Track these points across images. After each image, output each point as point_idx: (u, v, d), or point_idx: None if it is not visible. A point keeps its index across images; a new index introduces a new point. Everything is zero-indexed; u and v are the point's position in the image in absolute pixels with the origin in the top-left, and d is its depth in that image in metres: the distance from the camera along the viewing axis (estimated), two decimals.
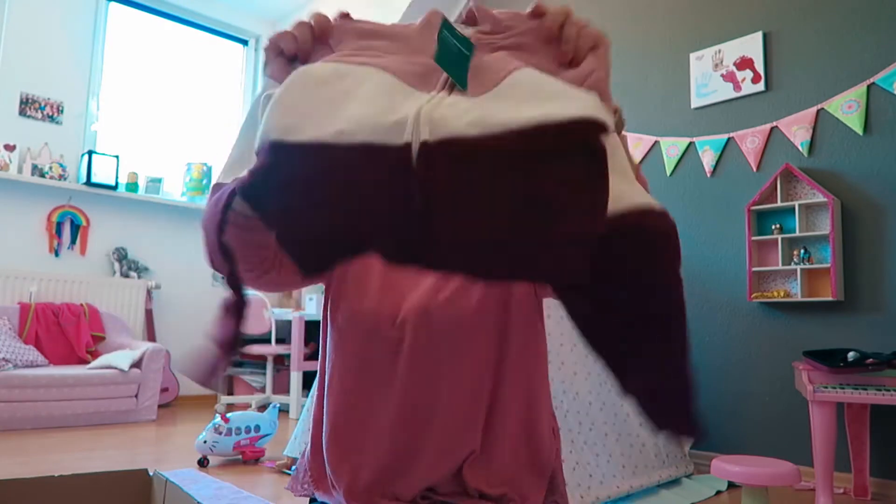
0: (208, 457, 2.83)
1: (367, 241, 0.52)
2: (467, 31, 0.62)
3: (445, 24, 0.62)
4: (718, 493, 2.60)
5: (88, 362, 4.04)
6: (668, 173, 3.31)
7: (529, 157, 0.49)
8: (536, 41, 0.65)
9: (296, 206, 0.53)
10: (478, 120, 0.50)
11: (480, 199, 0.49)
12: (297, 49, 0.68)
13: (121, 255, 4.70)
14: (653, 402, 0.55)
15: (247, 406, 4.26)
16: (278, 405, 3.19)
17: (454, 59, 0.58)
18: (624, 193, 0.52)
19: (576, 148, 0.49)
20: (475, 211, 0.49)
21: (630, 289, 0.53)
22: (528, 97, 0.53)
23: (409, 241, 0.51)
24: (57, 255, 4.47)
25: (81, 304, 4.32)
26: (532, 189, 0.49)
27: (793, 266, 2.78)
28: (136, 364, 3.98)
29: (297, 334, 4.17)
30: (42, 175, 4.38)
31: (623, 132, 0.69)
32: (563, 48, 0.63)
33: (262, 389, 4.66)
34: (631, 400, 0.56)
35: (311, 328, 4.27)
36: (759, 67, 3.03)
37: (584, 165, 0.49)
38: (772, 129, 2.97)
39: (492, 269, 0.51)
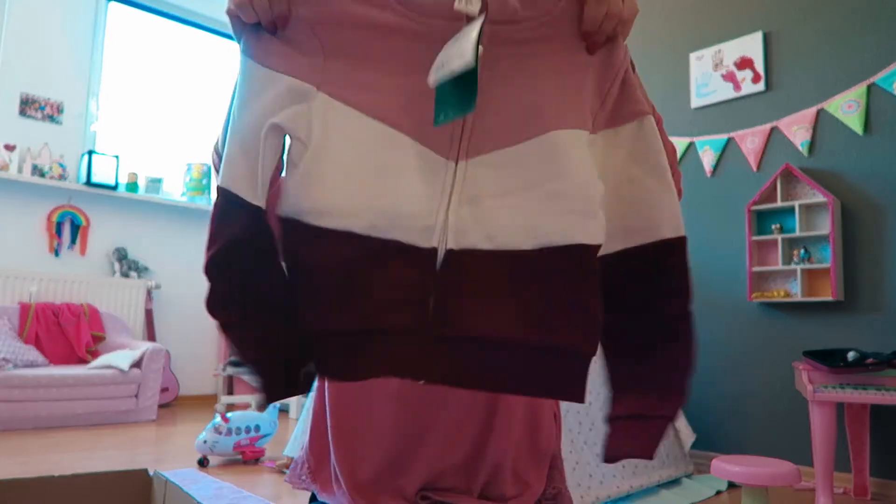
0: (208, 457, 2.83)
1: (383, 324, 0.56)
2: (477, 22, 0.57)
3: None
4: (718, 493, 2.60)
5: (88, 362, 4.04)
6: None
7: (532, 274, 0.56)
8: (557, 32, 0.61)
9: (323, 289, 0.56)
10: (494, 234, 0.56)
11: (488, 302, 0.55)
12: (259, 19, 0.62)
13: (121, 255, 4.70)
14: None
15: (247, 406, 4.26)
16: (278, 405, 3.19)
17: (458, 81, 0.56)
18: (656, 218, 0.59)
19: (571, 271, 0.56)
20: (482, 312, 0.55)
21: (642, 320, 0.60)
22: (545, 197, 0.57)
23: (418, 329, 0.55)
24: (57, 255, 4.47)
25: (81, 304, 4.32)
26: (531, 301, 0.55)
27: (793, 266, 2.78)
28: (136, 364, 3.98)
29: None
30: (42, 175, 4.38)
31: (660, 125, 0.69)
32: (584, 28, 0.60)
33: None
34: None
35: None
36: (759, 67, 3.03)
37: (578, 287, 0.56)
38: (772, 129, 2.97)
39: (490, 371, 0.56)
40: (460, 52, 0.55)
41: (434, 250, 0.57)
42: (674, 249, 0.64)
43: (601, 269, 0.61)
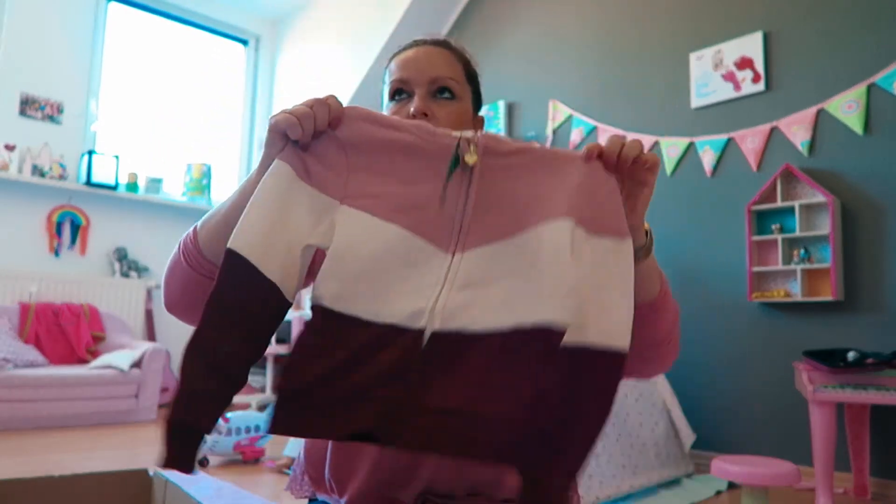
0: (208, 457, 2.83)
1: (370, 394, 0.64)
2: (472, 159, 0.70)
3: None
4: (718, 493, 2.60)
5: (88, 362, 4.04)
6: (669, 173, 3.31)
7: (505, 353, 0.63)
8: (552, 164, 0.71)
9: (329, 368, 0.64)
10: (477, 317, 0.65)
11: (465, 378, 0.63)
12: (302, 138, 0.71)
13: (121, 255, 4.70)
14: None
15: (247, 406, 4.26)
16: None
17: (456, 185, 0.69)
18: (609, 324, 0.66)
19: (539, 351, 0.63)
20: (459, 387, 0.63)
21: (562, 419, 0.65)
22: (526, 284, 0.66)
23: (401, 401, 0.63)
24: (57, 255, 4.47)
25: (81, 304, 4.32)
26: (504, 380, 0.62)
27: (793, 266, 2.78)
28: (136, 364, 3.98)
29: (297, 334, 4.17)
30: (42, 175, 4.38)
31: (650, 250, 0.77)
32: (619, 166, 0.70)
33: (262, 389, 4.66)
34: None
35: None
36: (759, 67, 3.03)
37: (543, 366, 0.63)
38: (772, 129, 2.97)
39: (461, 440, 0.62)
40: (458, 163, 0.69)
41: (422, 331, 0.65)
42: (615, 360, 0.66)
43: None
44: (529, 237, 0.68)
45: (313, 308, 0.68)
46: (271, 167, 0.70)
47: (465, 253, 0.69)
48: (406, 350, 0.64)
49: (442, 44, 0.96)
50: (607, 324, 0.67)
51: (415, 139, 0.71)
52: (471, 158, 0.70)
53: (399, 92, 0.92)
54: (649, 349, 0.82)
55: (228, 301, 0.65)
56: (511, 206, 0.70)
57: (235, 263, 0.65)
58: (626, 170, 0.70)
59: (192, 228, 0.78)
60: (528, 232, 0.68)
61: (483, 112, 1.30)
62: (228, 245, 0.66)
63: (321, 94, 0.75)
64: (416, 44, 0.96)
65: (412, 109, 0.88)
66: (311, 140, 0.71)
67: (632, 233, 0.71)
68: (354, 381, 0.64)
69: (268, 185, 0.69)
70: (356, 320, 0.66)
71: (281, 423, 0.64)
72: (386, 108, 0.94)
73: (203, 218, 0.78)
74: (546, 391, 0.64)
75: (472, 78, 0.97)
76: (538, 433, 0.63)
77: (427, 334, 0.65)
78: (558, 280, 0.66)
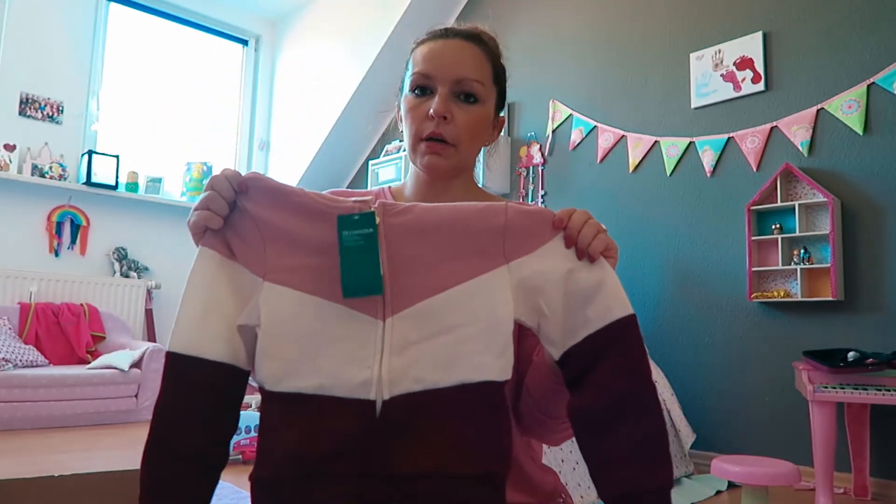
0: None
1: (330, 470, 0.65)
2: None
3: (342, 222, 0.69)
4: (718, 493, 2.60)
5: (88, 362, 4.04)
6: (668, 173, 3.31)
7: (452, 408, 0.66)
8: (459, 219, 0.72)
9: (289, 449, 0.66)
10: (420, 376, 0.66)
11: (420, 440, 0.65)
12: (221, 222, 0.71)
13: (121, 255, 4.69)
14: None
15: (247, 406, 4.26)
16: None
17: (360, 257, 0.68)
18: (604, 302, 0.69)
19: (484, 404, 0.66)
20: (415, 450, 0.65)
21: (606, 398, 0.67)
22: (460, 340, 0.67)
23: (368, 471, 0.65)
24: (57, 255, 4.47)
25: (81, 304, 4.31)
26: (454, 431, 0.65)
27: (793, 266, 2.78)
28: (136, 364, 3.98)
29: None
30: (42, 175, 4.38)
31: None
32: (577, 245, 0.71)
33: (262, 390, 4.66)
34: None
35: None
36: (759, 67, 3.03)
37: (490, 418, 0.66)
38: (772, 128, 2.97)
39: (427, 499, 0.64)
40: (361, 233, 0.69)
41: (373, 402, 0.66)
42: (626, 326, 0.68)
43: (573, 360, 0.69)
44: (453, 295, 0.68)
45: (260, 391, 0.69)
46: (196, 255, 0.71)
47: (394, 317, 0.68)
48: (362, 421, 0.65)
49: (473, 37, 0.91)
50: (603, 304, 0.69)
51: (320, 206, 0.70)
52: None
53: (421, 87, 0.88)
54: (556, 421, 0.83)
55: (176, 399, 0.68)
56: (427, 265, 0.69)
57: (176, 362, 0.68)
58: (580, 250, 0.70)
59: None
60: (449, 291, 0.68)
61: None
62: (167, 349, 0.68)
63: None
64: (445, 34, 0.91)
65: (432, 111, 0.85)
66: (224, 219, 0.71)
67: None
68: (317, 460, 0.65)
69: (195, 273, 0.70)
70: (300, 396, 0.66)
71: None
72: (404, 99, 0.91)
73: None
74: (505, 440, 0.67)
75: (498, 77, 0.93)
76: (495, 481, 0.66)
77: (378, 404, 0.66)
78: (496, 332, 0.67)
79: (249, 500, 0.70)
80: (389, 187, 1.00)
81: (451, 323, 0.67)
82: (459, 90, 0.87)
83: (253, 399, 4.35)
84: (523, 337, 0.84)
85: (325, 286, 0.69)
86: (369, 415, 0.65)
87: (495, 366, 0.67)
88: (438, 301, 0.68)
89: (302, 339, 0.68)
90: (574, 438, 0.71)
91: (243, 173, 0.72)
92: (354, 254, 0.68)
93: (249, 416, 2.94)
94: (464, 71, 0.87)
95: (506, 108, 0.98)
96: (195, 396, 0.68)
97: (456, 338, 0.67)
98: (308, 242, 0.70)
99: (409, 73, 0.91)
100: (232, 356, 0.69)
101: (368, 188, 2.69)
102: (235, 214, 0.72)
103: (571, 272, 0.70)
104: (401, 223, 0.70)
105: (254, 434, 2.90)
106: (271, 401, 0.68)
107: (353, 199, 0.71)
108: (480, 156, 0.97)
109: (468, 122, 0.87)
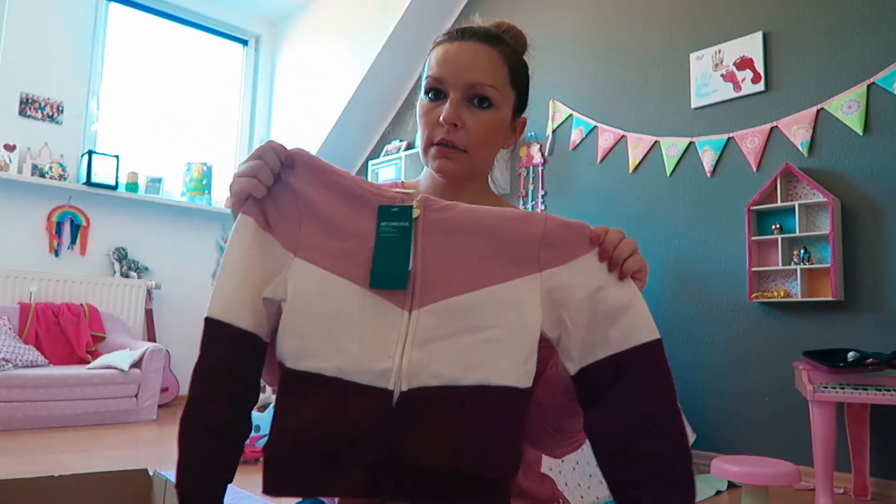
0: None
1: (342, 454, 0.65)
2: (415, 213, 0.70)
3: (382, 212, 0.70)
4: (718, 493, 2.60)
5: (88, 362, 4.04)
6: (668, 173, 3.31)
7: (469, 408, 0.65)
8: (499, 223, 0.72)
9: (305, 427, 0.66)
10: (440, 372, 0.66)
11: (433, 435, 0.65)
12: (264, 191, 0.72)
13: (121, 255, 4.70)
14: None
15: None
16: None
17: (393, 249, 0.69)
18: (631, 325, 0.68)
19: (501, 409, 0.66)
20: (428, 445, 0.65)
21: (630, 421, 0.67)
22: (484, 341, 0.67)
23: (381, 459, 0.65)
24: (57, 255, 4.47)
25: (81, 304, 4.32)
26: (468, 430, 0.65)
27: (793, 266, 2.78)
28: (136, 364, 3.98)
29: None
30: (42, 175, 4.38)
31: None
32: (612, 259, 0.71)
33: (262, 389, 4.66)
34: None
35: None
36: (759, 67, 3.03)
37: (506, 424, 0.66)
38: (772, 129, 2.97)
39: (430, 494, 0.65)
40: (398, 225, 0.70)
41: (391, 392, 0.66)
42: (652, 351, 0.68)
43: (589, 377, 0.69)
44: (483, 296, 0.68)
45: (279, 367, 0.69)
46: (236, 223, 0.72)
47: (420, 310, 0.68)
48: (378, 410, 0.65)
49: (492, 38, 0.88)
50: (630, 326, 0.68)
51: (362, 191, 0.71)
52: (414, 212, 0.70)
53: (434, 91, 0.87)
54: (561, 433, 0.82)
55: (212, 364, 0.68)
56: (458, 264, 0.69)
57: (212, 328, 0.68)
58: (614, 264, 0.70)
59: None
60: (479, 292, 0.68)
61: None
62: (206, 315, 0.69)
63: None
64: (462, 35, 0.88)
65: (442, 118, 0.84)
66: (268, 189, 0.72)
67: None
68: (332, 442, 0.65)
69: (234, 241, 0.71)
70: (319, 377, 0.67)
71: (272, 486, 0.66)
72: (419, 102, 0.89)
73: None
74: (517, 447, 0.67)
75: (516, 80, 0.90)
76: (504, 486, 0.66)
77: (396, 394, 0.66)
78: (521, 339, 0.67)
79: (257, 489, 0.71)
80: (402, 182, 0.98)
81: (477, 323, 0.67)
82: (472, 95, 0.85)
83: None
84: (539, 348, 0.84)
85: (356, 270, 0.69)
86: (386, 404, 0.66)
87: (517, 372, 0.67)
88: (467, 300, 0.68)
89: (326, 320, 0.68)
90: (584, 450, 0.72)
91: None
92: (388, 245, 0.69)
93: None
94: (476, 76, 0.85)
95: (527, 108, 0.95)
96: (225, 363, 0.68)
97: (481, 339, 0.67)
98: (344, 225, 0.71)
99: (424, 74, 0.89)
100: (257, 327, 0.69)
101: None
102: (277, 187, 0.72)
103: (600, 289, 0.70)
104: (440, 219, 0.70)
105: (254, 434, 2.90)
106: (290, 379, 0.67)
107: (397, 189, 0.71)
108: None
109: (480, 129, 0.85)
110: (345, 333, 0.67)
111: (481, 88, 0.85)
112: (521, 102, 0.92)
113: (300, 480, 0.66)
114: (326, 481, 0.65)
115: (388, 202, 0.70)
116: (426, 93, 0.87)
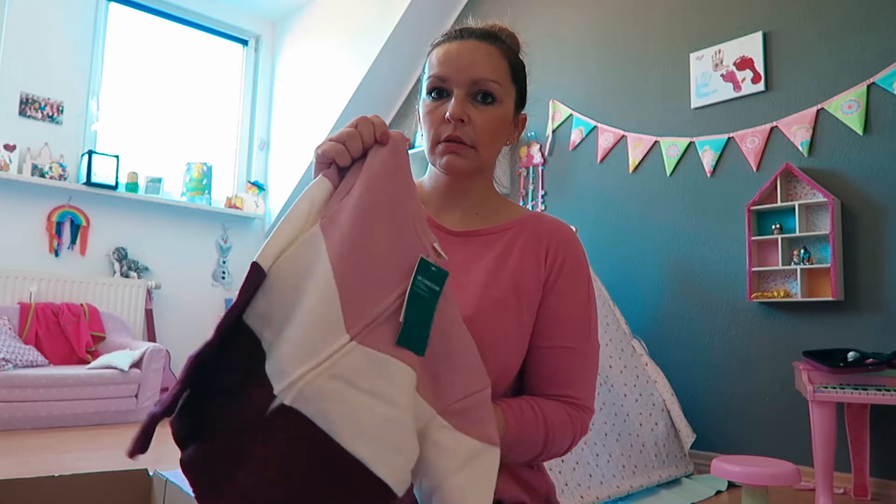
0: None
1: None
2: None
3: (422, 265, 0.68)
4: (718, 493, 2.60)
5: (88, 362, 4.04)
6: (668, 173, 3.31)
7: (329, 472, 0.61)
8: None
9: (223, 388, 0.65)
10: (329, 416, 0.62)
11: (285, 465, 0.61)
12: (349, 161, 0.72)
13: (121, 255, 4.69)
14: None
15: None
16: None
17: (419, 311, 0.66)
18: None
19: (347, 481, 0.62)
20: (260, 473, 0.61)
21: None
22: (386, 416, 0.64)
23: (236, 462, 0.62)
24: (57, 255, 4.47)
25: (81, 304, 4.31)
26: (313, 490, 0.61)
27: (793, 266, 2.78)
28: (136, 364, 3.98)
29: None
30: (42, 175, 4.38)
31: None
32: None
33: None
34: None
35: None
36: (759, 67, 3.03)
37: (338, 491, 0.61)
38: (772, 129, 2.97)
39: None
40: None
41: (274, 397, 0.63)
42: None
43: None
44: (407, 374, 0.65)
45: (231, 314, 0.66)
46: (314, 182, 0.71)
47: (360, 346, 0.64)
48: (258, 407, 0.63)
49: (490, 37, 0.90)
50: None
51: (410, 221, 0.70)
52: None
53: (437, 90, 0.87)
54: (531, 461, 0.85)
55: (243, 308, 0.67)
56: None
57: (256, 273, 0.67)
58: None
59: None
60: (411, 367, 0.65)
61: None
62: (254, 259, 0.67)
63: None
64: (461, 35, 0.90)
65: (448, 114, 0.84)
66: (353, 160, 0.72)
67: None
68: (234, 416, 0.64)
69: (305, 197, 0.71)
70: (258, 343, 0.65)
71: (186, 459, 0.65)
72: (422, 102, 0.90)
73: None
74: None
75: (517, 75, 0.91)
76: None
77: (276, 402, 0.62)
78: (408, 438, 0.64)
79: None
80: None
81: (381, 390, 0.65)
82: (476, 91, 0.86)
83: None
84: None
85: (347, 268, 0.67)
86: (265, 403, 0.64)
87: (402, 476, 0.64)
88: (396, 366, 0.67)
89: (294, 295, 0.66)
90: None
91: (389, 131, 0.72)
92: (418, 303, 0.67)
93: None
94: (479, 72, 0.86)
95: (527, 105, 0.96)
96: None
97: (385, 412, 0.65)
98: (372, 229, 0.68)
99: (425, 75, 0.89)
100: None
101: None
102: (359, 160, 0.72)
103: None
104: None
105: None
106: (239, 331, 0.68)
107: (435, 244, 0.71)
108: None
109: (486, 124, 0.86)
110: (298, 315, 0.65)
111: (485, 84, 0.86)
112: (521, 98, 0.93)
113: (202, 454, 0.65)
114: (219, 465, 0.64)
115: (427, 254, 0.69)
116: (429, 93, 0.88)
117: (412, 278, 0.67)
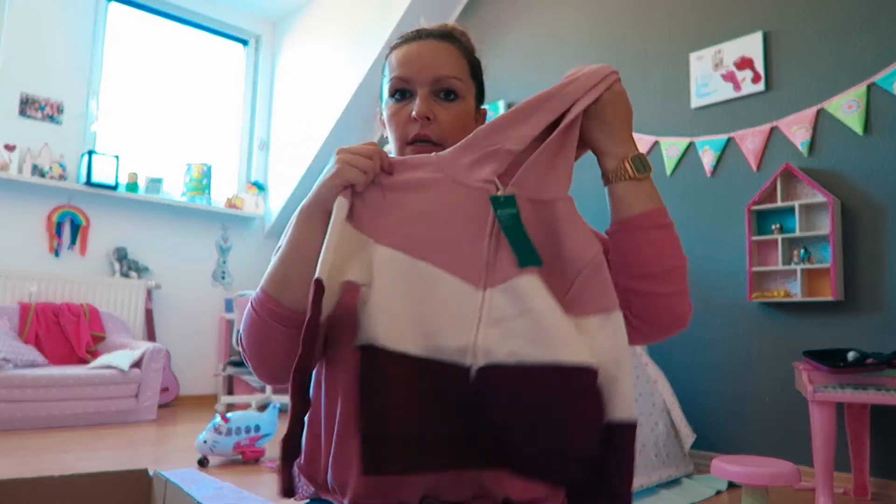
0: (208, 457, 2.83)
1: (425, 430, 0.70)
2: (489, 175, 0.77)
3: (495, 202, 0.75)
4: (718, 493, 2.60)
5: (88, 362, 4.04)
6: (668, 173, 3.31)
7: (544, 386, 0.69)
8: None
9: (388, 403, 0.70)
10: (514, 351, 0.70)
11: (511, 408, 0.69)
12: (364, 183, 0.77)
13: (121, 255, 4.70)
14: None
15: (247, 406, 4.26)
16: (278, 405, 3.19)
17: (515, 234, 0.75)
18: (609, 400, 0.71)
19: (575, 385, 0.69)
20: (513, 416, 0.69)
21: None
22: (551, 320, 0.71)
23: (459, 433, 0.70)
24: (57, 255, 4.47)
25: (81, 304, 4.32)
26: (545, 408, 0.69)
27: (793, 266, 2.78)
28: (136, 364, 3.98)
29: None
30: (42, 175, 4.38)
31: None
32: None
33: (262, 389, 4.66)
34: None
35: None
36: (759, 67, 3.03)
37: (582, 398, 0.69)
38: (772, 129, 2.97)
39: (516, 459, 0.70)
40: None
41: (468, 368, 0.70)
42: (623, 431, 0.71)
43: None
44: (532, 280, 0.73)
45: (367, 348, 0.72)
46: (337, 204, 0.76)
47: (493, 289, 0.73)
48: (456, 386, 0.70)
49: (446, 36, 0.93)
50: (607, 400, 0.72)
51: (442, 180, 0.77)
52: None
53: (400, 91, 0.89)
54: (642, 281, 0.83)
55: (317, 319, 0.72)
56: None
57: (320, 288, 0.72)
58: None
59: (257, 293, 0.81)
60: (532, 274, 0.73)
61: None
62: (316, 276, 0.71)
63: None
64: (418, 35, 0.92)
65: (414, 113, 0.86)
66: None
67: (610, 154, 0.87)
68: (418, 418, 0.70)
69: (338, 219, 0.76)
70: (405, 357, 0.71)
71: (371, 464, 0.69)
72: (385, 104, 0.91)
73: (263, 280, 0.82)
74: (591, 423, 0.70)
75: (475, 71, 0.94)
76: (587, 461, 0.69)
77: (473, 371, 0.70)
78: (566, 325, 0.71)
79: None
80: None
81: (533, 304, 0.71)
82: (439, 88, 0.88)
83: (253, 399, 4.35)
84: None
85: (432, 252, 0.74)
86: (463, 380, 0.70)
87: (585, 354, 0.69)
88: (529, 280, 0.72)
89: (405, 302, 0.72)
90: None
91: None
92: (511, 232, 0.74)
93: (249, 417, 2.94)
94: (441, 70, 0.88)
95: (485, 100, 1.01)
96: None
97: (540, 318, 0.70)
98: (426, 212, 0.76)
99: (386, 78, 0.91)
100: (323, 308, 0.73)
101: None
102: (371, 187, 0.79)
103: None
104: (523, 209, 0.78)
105: (254, 434, 2.90)
106: (376, 359, 0.71)
107: (481, 179, 0.77)
108: None
109: (451, 120, 0.87)
110: (427, 313, 0.72)
111: (447, 81, 0.88)
112: (480, 94, 0.96)
113: (396, 457, 0.69)
114: (419, 456, 0.69)
115: (488, 191, 0.76)
116: (392, 95, 0.90)
117: (494, 216, 0.75)
